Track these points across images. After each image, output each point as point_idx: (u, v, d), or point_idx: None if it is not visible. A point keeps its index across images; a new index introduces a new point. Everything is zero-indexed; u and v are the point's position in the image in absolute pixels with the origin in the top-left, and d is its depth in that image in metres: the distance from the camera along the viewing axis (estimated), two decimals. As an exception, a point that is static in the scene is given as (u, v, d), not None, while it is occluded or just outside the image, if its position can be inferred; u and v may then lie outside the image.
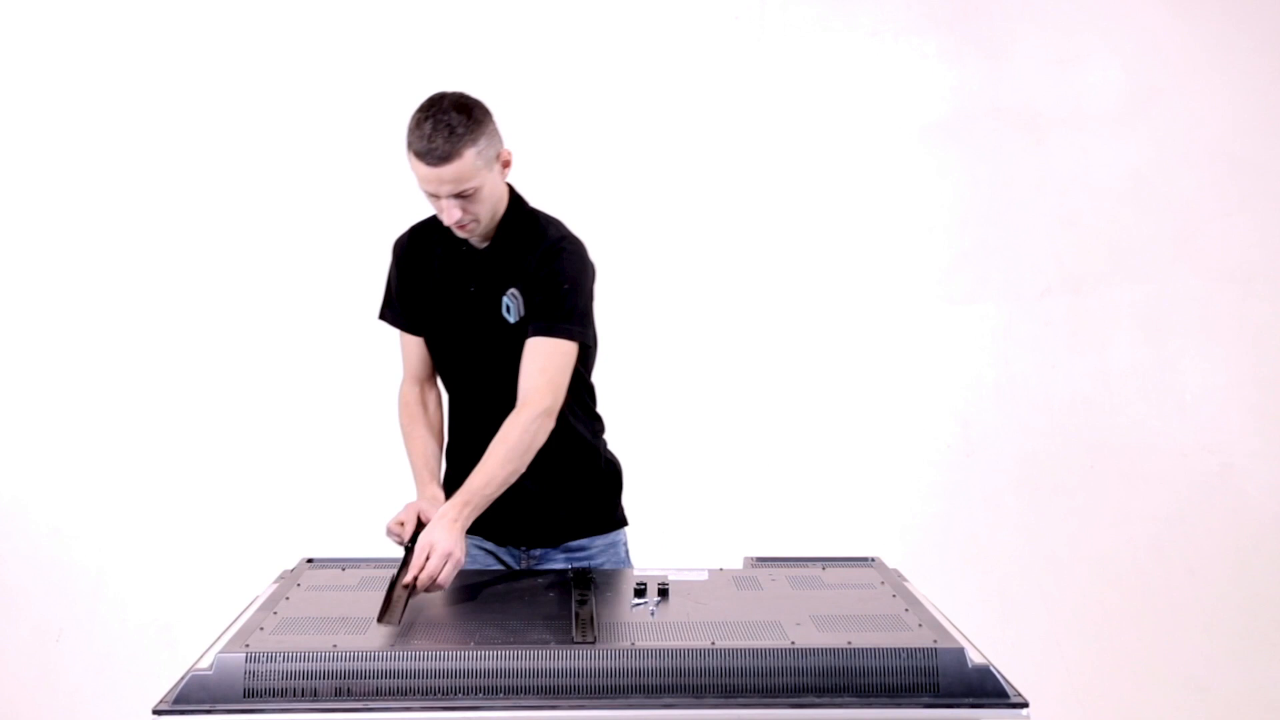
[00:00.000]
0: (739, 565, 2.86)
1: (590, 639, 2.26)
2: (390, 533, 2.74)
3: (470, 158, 2.59)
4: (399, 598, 2.39)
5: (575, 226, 4.22)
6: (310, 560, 2.90)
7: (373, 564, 2.80)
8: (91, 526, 4.32)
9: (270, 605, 2.50)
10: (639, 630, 2.34)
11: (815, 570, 2.78)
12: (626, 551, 2.98)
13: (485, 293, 2.77)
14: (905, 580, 2.74)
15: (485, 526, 2.77)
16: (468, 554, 2.60)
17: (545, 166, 4.30)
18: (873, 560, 2.88)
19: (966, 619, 2.53)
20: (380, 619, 2.30)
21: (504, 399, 2.70)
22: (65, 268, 4.32)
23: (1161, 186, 4.39)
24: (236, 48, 4.30)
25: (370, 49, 4.31)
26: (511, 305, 2.75)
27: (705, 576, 2.71)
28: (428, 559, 2.47)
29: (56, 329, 4.32)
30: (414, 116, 2.62)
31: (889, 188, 4.39)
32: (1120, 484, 4.40)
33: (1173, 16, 4.37)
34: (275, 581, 2.75)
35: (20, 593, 4.34)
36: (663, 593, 2.54)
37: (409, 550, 2.55)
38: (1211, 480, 4.40)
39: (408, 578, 2.45)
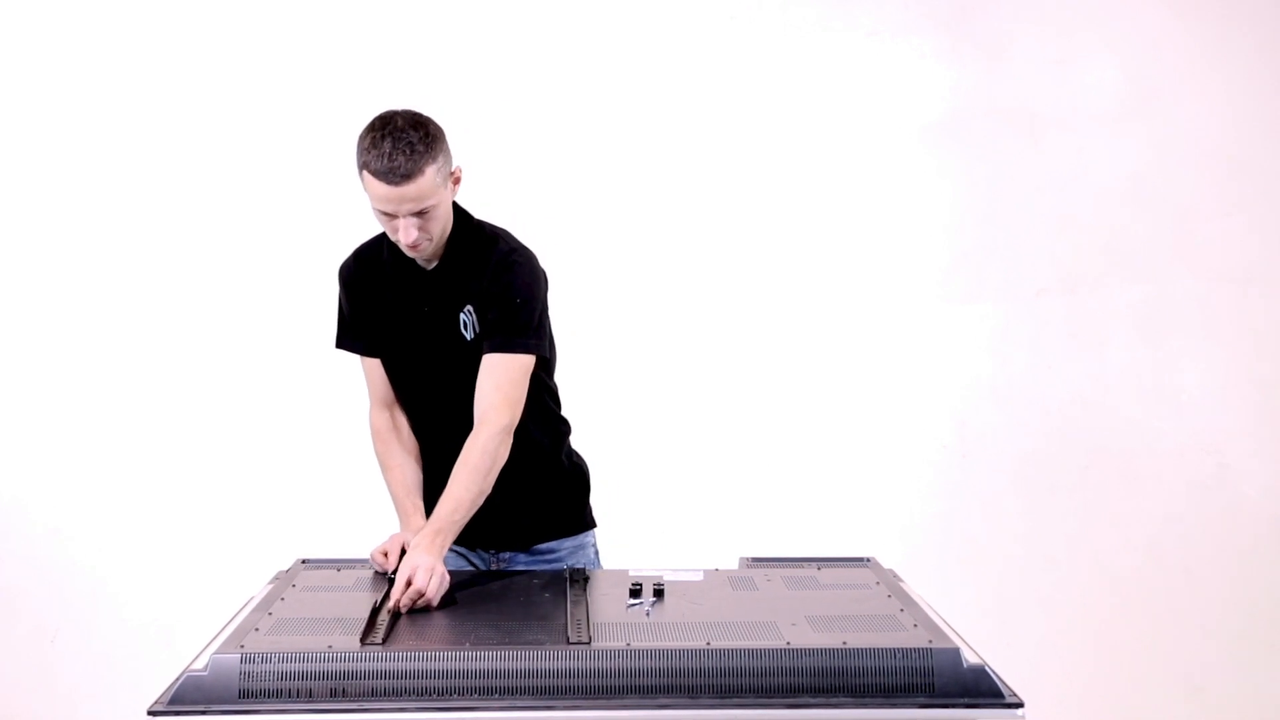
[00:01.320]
0: (735, 565, 2.86)
1: (585, 639, 2.26)
2: (374, 561, 2.74)
3: (431, 175, 2.58)
4: (383, 621, 2.38)
5: (576, 228, 4.30)
6: (305, 561, 2.90)
7: (368, 565, 2.80)
8: (89, 527, 4.32)
9: (265, 606, 2.51)
10: (634, 630, 2.34)
11: (811, 570, 2.78)
12: (596, 553, 2.98)
13: (440, 312, 2.75)
14: (901, 580, 2.74)
15: None
16: None
17: (544, 167, 4.33)
18: (868, 560, 2.88)
19: (962, 619, 2.53)
20: (363, 640, 2.28)
21: (466, 417, 2.69)
22: (65, 270, 4.31)
23: (1159, 186, 4.38)
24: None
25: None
26: (469, 322, 2.73)
27: (701, 577, 2.71)
28: (409, 583, 2.46)
29: (55, 331, 4.32)
30: (367, 136, 2.59)
31: (887, 188, 4.39)
32: (1117, 484, 4.40)
33: (1171, 16, 4.37)
34: (270, 582, 2.75)
35: (18, 592, 4.34)
36: (658, 593, 2.54)
37: (392, 581, 2.54)
38: (1209, 481, 4.40)
39: (390, 603, 2.46)
